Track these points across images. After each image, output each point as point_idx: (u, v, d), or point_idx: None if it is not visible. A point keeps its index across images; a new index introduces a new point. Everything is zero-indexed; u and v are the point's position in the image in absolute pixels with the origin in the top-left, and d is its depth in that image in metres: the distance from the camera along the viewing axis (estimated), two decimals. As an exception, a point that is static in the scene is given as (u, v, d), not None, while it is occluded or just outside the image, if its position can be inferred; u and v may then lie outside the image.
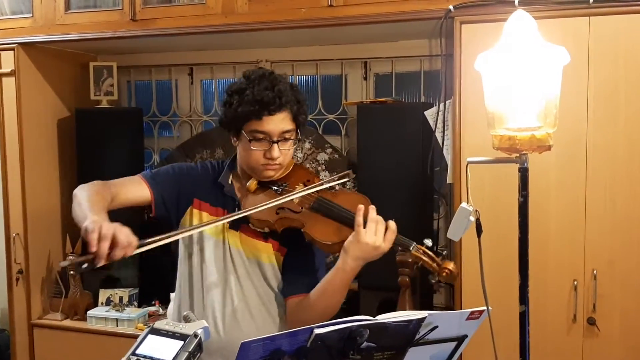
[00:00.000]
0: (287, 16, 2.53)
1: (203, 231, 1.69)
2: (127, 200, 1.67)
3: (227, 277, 1.69)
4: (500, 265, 2.10)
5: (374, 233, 1.49)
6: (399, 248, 1.55)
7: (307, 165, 2.99)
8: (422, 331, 1.17)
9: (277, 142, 1.61)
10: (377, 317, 1.13)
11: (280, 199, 1.61)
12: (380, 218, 1.52)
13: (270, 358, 1.05)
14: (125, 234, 1.36)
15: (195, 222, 1.71)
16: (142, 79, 3.53)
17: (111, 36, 2.78)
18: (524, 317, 1.24)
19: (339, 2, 2.45)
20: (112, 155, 3.13)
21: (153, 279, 3.17)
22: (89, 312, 3.01)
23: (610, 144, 2.18)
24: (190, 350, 0.90)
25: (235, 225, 1.69)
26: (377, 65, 3.08)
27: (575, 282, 2.24)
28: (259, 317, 1.68)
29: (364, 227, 1.49)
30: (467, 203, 1.29)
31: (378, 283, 2.59)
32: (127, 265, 3.15)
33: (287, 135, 1.63)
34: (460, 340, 1.24)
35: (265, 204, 1.59)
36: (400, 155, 2.64)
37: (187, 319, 0.98)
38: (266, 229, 1.65)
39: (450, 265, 1.49)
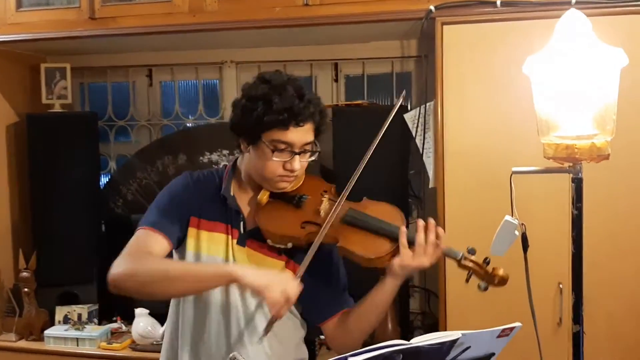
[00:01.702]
0: (260, 15, 2.41)
1: (205, 250, 1.57)
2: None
3: (231, 297, 1.56)
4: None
5: (423, 254, 1.47)
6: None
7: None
8: (454, 353, 1.10)
9: (298, 153, 1.51)
10: (411, 341, 1.05)
11: (331, 217, 1.50)
12: (432, 240, 1.47)
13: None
14: (294, 292, 1.38)
15: (192, 243, 1.57)
16: (97, 81, 3.33)
17: (68, 36, 2.59)
18: (578, 337, 1.18)
19: (315, 1, 2.36)
20: (66, 163, 2.93)
21: (113, 293, 2.99)
22: (45, 331, 2.80)
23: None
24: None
25: (241, 241, 1.58)
26: (348, 66, 3.00)
27: (561, 286, 2.23)
28: (266, 340, 1.55)
29: (411, 250, 1.47)
30: (512, 216, 1.22)
31: (359, 291, 2.51)
32: (85, 279, 2.96)
33: (307, 147, 1.54)
34: (487, 358, 1.18)
35: (325, 227, 1.48)
36: (376, 159, 2.56)
37: None
38: (289, 245, 1.53)
39: (500, 271, 1.46)
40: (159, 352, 2.58)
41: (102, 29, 2.57)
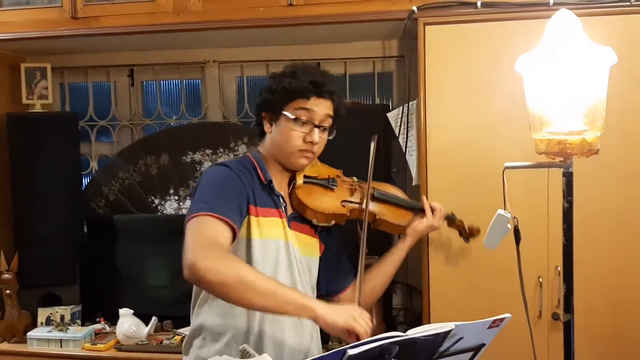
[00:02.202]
0: (244, 15, 2.43)
1: (272, 236, 1.62)
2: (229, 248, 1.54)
3: (294, 279, 1.65)
4: (470, 264, 2.14)
5: (440, 218, 1.90)
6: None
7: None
8: (447, 343, 1.13)
9: (318, 127, 1.63)
10: (407, 333, 1.08)
11: (367, 195, 1.74)
12: (438, 204, 1.91)
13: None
14: (369, 315, 1.46)
15: (256, 231, 1.60)
16: (77, 80, 3.31)
17: (50, 35, 2.57)
18: (568, 326, 1.22)
19: (300, 1, 2.38)
20: (47, 163, 2.90)
21: (96, 294, 2.98)
22: (28, 333, 2.77)
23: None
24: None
25: (288, 224, 1.67)
26: (330, 66, 3.02)
27: (540, 279, 2.29)
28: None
29: (433, 214, 1.87)
30: (505, 210, 1.26)
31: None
32: (68, 281, 2.94)
33: (326, 124, 1.67)
34: (477, 349, 1.22)
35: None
36: (359, 156, 2.60)
37: (245, 354, 0.89)
38: (332, 222, 1.71)
39: (475, 225, 2.02)
40: (145, 352, 2.65)
41: (84, 28, 2.56)
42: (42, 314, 2.86)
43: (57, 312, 2.86)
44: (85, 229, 3.06)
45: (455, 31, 2.28)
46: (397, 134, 2.52)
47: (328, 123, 1.68)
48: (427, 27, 2.29)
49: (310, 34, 2.75)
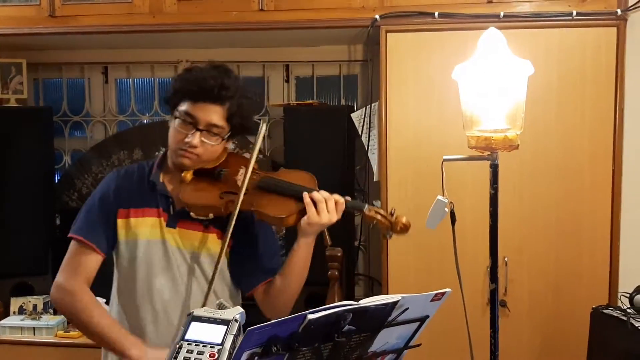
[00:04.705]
0: (217, 18, 2.57)
1: (140, 236, 1.65)
2: (94, 274, 1.68)
3: (173, 277, 1.66)
4: (426, 255, 2.29)
5: (326, 211, 1.54)
6: (355, 212, 1.65)
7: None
8: (395, 313, 1.29)
9: (201, 131, 1.58)
10: (359, 302, 1.23)
11: (243, 183, 1.56)
12: (327, 195, 1.57)
13: (267, 344, 1.12)
14: None
15: (123, 233, 1.66)
16: (51, 76, 3.39)
17: (28, 32, 2.66)
18: (494, 294, 1.40)
19: (270, 7, 2.53)
20: (21, 157, 2.98)
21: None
22: (1, 322, 2.85)
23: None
24: (234, 333, 0.96)
25: (172, 223, 1.66)
26: (298, 68, 3.18)
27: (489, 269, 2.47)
28: None
29: (315, 208, 1.54)
30: (443, 196, 1.43)
31: (308, 278, 2.69)
32: (40, 271, 3.02)
33: (214, 130, 1.59)
34: (422, 320, 1.38)
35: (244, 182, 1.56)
36: (325, 154, 2.76)
37: (221, 306, 1.03)
38: (211, 215, 1.62)
39: (404, 219, 1.55)
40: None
41: (62, 26, 2.65)
42: (15, 303, 2.94)
43: (29, 301, 2.94)
44: (58, 221, 3.15)
45: (414, 38, 2.46)
46: (360, 133, 2.68)
47: (217, 130, 1.60)
48: (388, 34, 2.47)
49: (279, 38, 2.90)
